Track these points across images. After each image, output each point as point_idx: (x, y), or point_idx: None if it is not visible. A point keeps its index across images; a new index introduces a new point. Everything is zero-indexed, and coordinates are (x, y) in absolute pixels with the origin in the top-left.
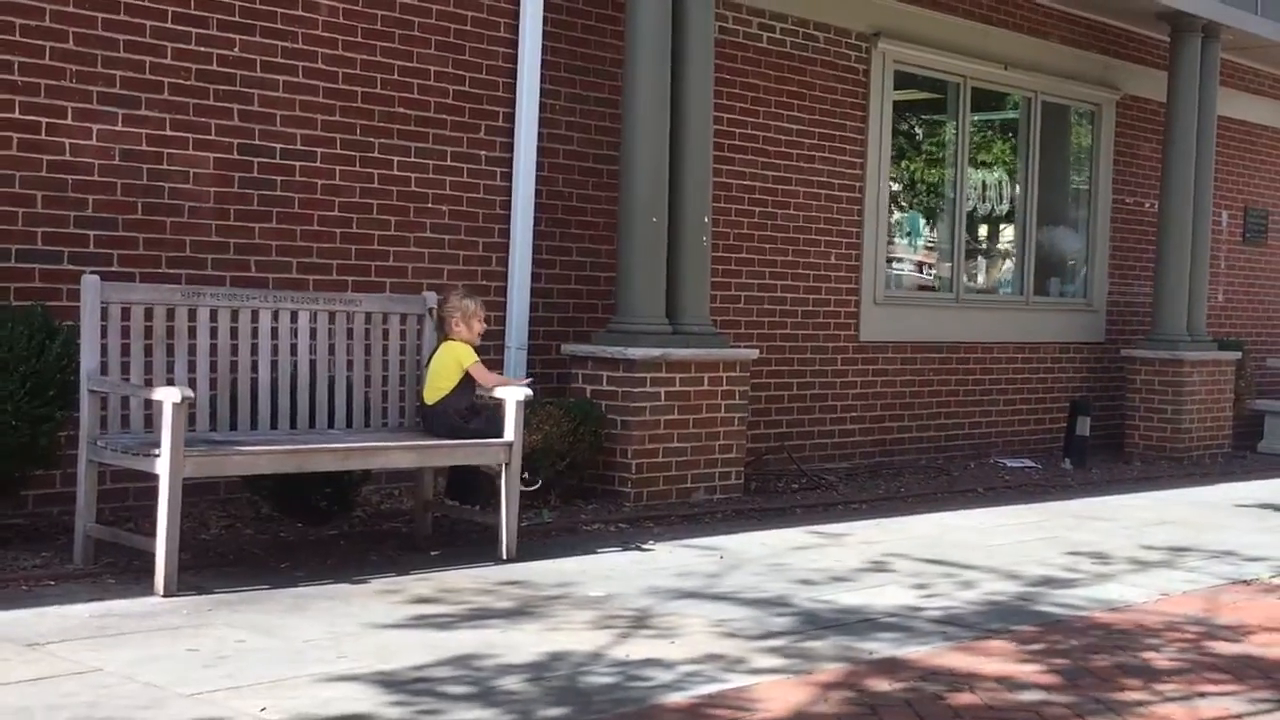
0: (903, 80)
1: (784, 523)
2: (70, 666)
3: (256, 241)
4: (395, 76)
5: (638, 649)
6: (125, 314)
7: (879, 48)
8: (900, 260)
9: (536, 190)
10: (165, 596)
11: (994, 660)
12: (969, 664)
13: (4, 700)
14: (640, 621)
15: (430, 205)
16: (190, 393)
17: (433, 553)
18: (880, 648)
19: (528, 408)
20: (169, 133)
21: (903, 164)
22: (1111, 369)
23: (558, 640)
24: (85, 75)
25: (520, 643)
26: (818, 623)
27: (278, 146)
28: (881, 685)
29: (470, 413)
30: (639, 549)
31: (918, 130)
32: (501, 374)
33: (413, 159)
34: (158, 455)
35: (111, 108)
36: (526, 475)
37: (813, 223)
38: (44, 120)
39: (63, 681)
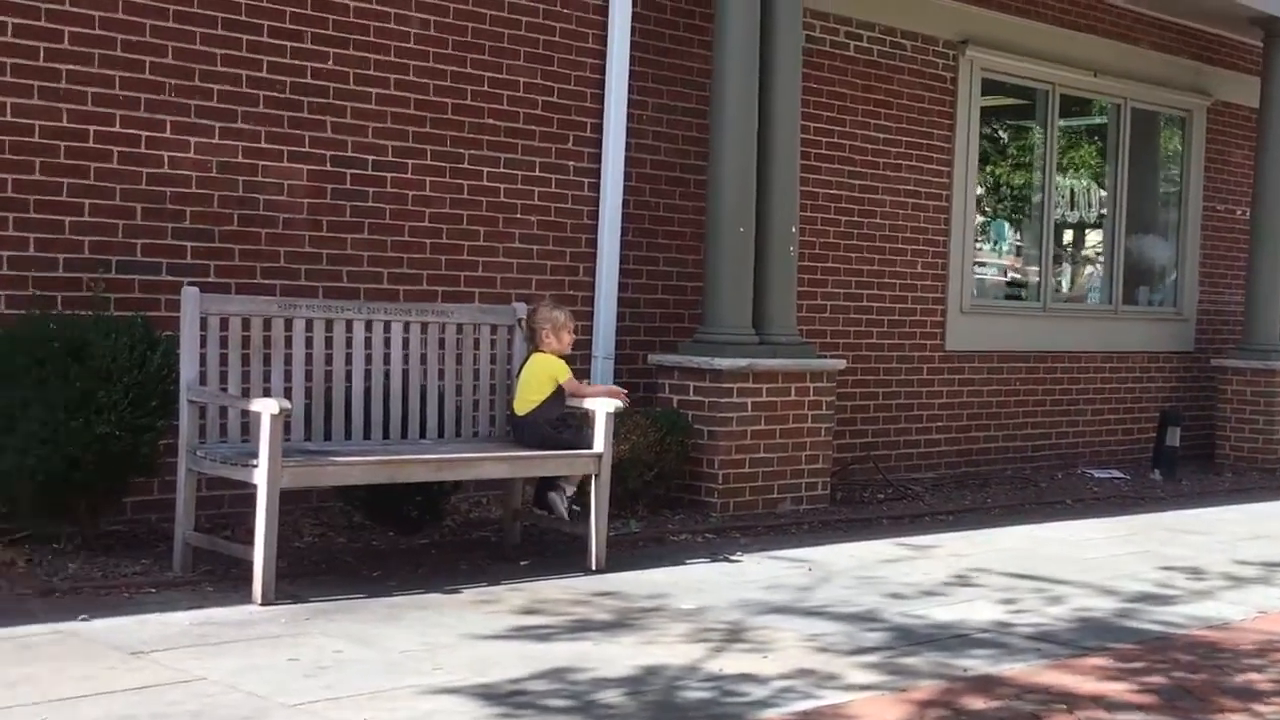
0: (989, 87)
1: (871, 534)
2: (174, 675)
3: (348, 252)
4: (485, 88)
5: (731, 663)
6: (223, 325)
7: (966, 55)
8: (986, 265)
9: (624, 200)
10: (263, 605)
11: (1090, 679)
12: (1065, 682)
13: (111, 709)
14: (733, 635)
15: (519, 216)
16: (288, 404)
17: (522, 562)
18: (975, 664)
19: (616, 418)
20: (264, 145)
21: (987, 169)
22: (1202, 379)
23: (652, 653)
24: (184, 89)
25: (615, 655)
26: (911, 638)
27: (370, 158)
28: (977, 704)
29: (561, 424)
30: (727, 560)
31: (1002, 135)
32: (589, 382)
33: (502, 170)
34: (256, 466)
35: (209, 121)
36: (578, 509)
37: (899, 231)
38: (144, 134)
39: (167, 690)
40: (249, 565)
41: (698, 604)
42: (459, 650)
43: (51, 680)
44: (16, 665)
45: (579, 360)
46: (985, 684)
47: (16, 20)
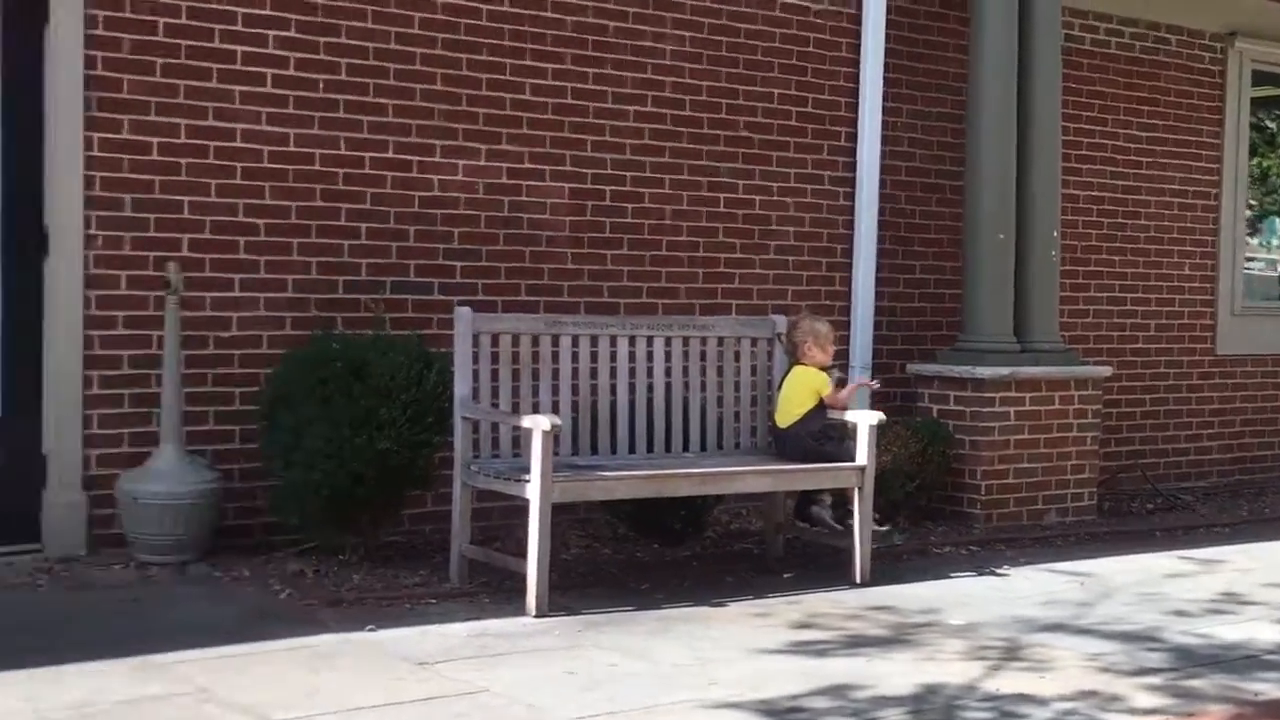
0: (1259, 78)
1: (1143, 547)
2: (458, 686)
3: (609, 268)
4: (740, 101)
5: (1008, 683)
6: (494, 342)
7: (1235, 48)
8: (1254, 261)
9: (879, 208)
10: (537, 617)
11: None
12: None
13: (402, 719)
14: (1008, 653)
15: (774, 227)
16: (559, 421)
17: (785, 575)
18: (1266, 689)
19: (878, 430)
20: (527, 165)
21: (1253, 162)
22: None
23: (928, 671)
24: (451, 114)
25: (891, 672)
26: (1194, 658)
27: (628, 174)
28: None
29: (823, 436)
30: (994, 574)
31: (1270, 125)
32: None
33: (757, 182)
34: (528, 481)
35: (475, 144)
36: (878, 517)
37: (1165, 233)
38: (415, 159)
39: (453, 702)
40: (522, 577)
41: (968, 619)
42: (732, 665)
43: (345, 690)
44: (312, 674)
45: (836, 370)
46: (1278, 709)
47: (298, 55)
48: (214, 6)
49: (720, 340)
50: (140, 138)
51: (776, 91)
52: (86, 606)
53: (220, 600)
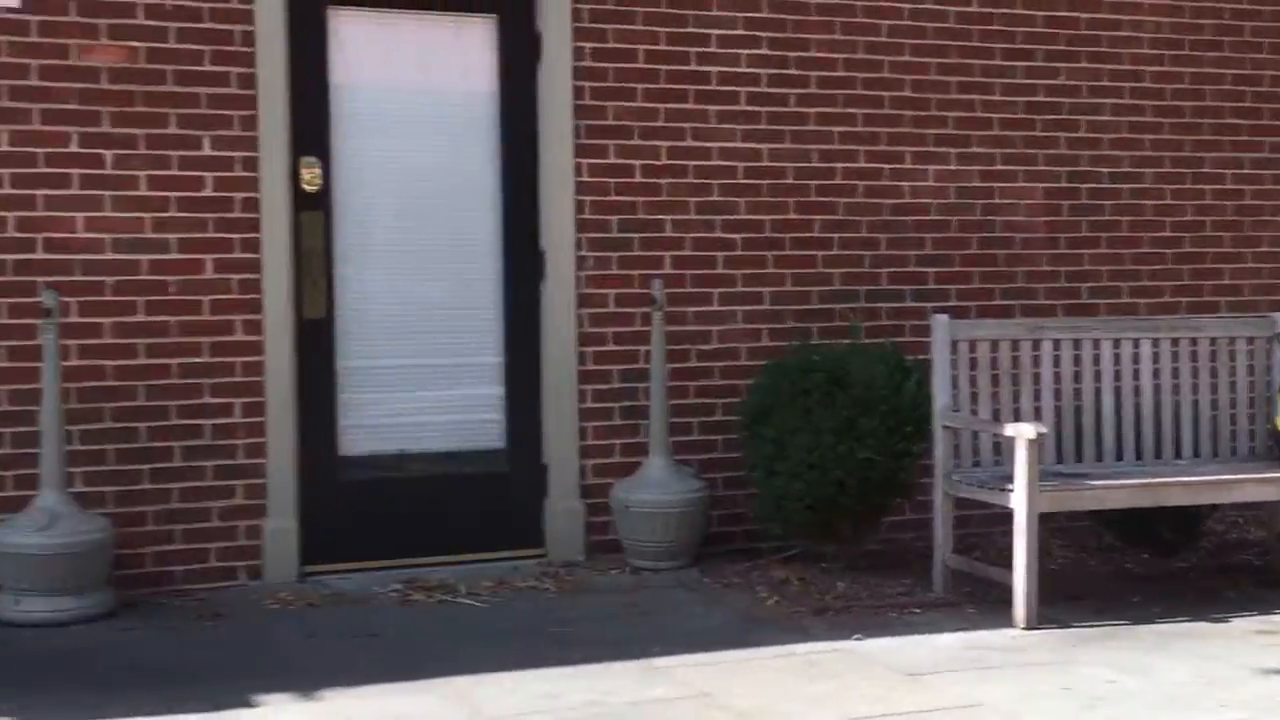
0: None
1: None
2: (951, 699)
3: (1086, 268)
4: (1226, 86)
5: None
6: (971, 349)
7: None
8: None
9: None
10: (1025, 629)
11: None
12: None
13: None
14: None
15: (1266, 218)
16: (1044, 429)
17: None
18: None
19: None
20: (999, 167)
21: None
22: None
23: None
24: (920, 120)
25: None
26: None
27: (1105, 171)
28: None
29: None
30: None
31: None
32: None
33: (1246, 170)
34: (1012, 490)
35: (945, 148)
36: None
37: None
38: (885, 166)
39: (947, 715)
40: (1006, 588)
41: None
42: (1242, 685)
43: (838, 698)
44: (809, 682)
45: None
46: None
47: (769, 71)
48: (690, 30)
49: (1212, 340)
50: (624, 161)
51: (1267, 74)
52: (588, 609)
53: (710, 605)
